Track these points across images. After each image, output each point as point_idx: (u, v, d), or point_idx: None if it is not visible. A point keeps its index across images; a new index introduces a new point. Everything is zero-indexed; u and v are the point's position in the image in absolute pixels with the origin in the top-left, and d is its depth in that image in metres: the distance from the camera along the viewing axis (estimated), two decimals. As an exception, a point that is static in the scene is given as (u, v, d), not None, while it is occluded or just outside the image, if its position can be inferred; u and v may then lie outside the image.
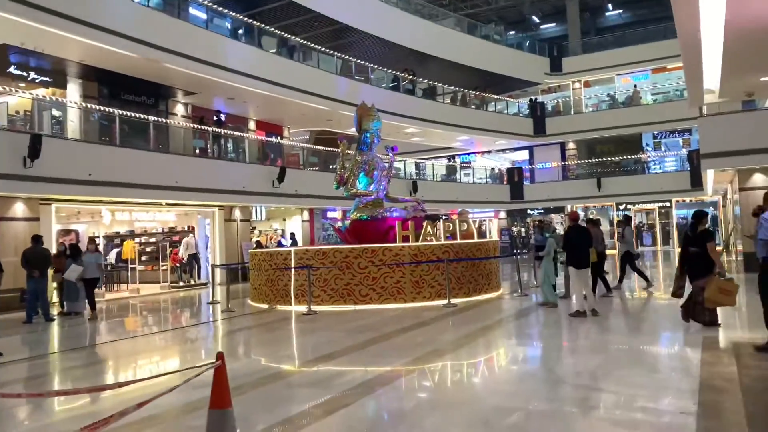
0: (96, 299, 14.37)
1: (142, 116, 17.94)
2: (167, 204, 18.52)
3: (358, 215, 14.10)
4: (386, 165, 14.83)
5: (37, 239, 13.07)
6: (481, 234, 13.61)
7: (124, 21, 16.63)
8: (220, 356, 4.06)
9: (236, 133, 21.49)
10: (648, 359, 6.80)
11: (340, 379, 6.44)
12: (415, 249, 12.12)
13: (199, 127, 20.57)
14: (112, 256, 21.69)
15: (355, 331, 9.40)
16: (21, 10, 14.38)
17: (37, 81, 18.03)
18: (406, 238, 12.42)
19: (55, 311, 13.55)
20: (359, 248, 12.01)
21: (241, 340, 10.07)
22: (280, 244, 18.15)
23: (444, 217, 27.90)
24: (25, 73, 17.67)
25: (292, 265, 12.24)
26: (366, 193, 14.24)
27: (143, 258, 21.96)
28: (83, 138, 16.39)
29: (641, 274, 13.76)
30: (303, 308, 11.90)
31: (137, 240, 22.25)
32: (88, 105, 17.93)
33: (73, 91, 19.14)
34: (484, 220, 16.63)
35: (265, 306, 12.95)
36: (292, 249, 12.62)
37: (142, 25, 17.16)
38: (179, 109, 22.45)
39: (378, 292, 11.90)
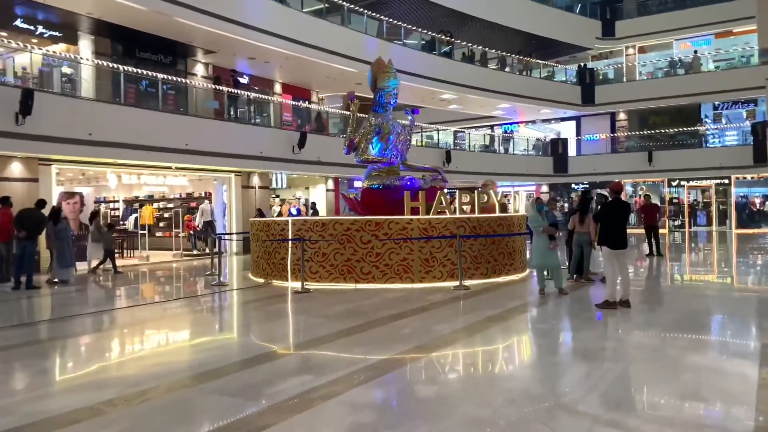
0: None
1: (148, 73, 16.89)
2: (177, 168, 17.56)
3: (370, 183, 12.76)
4: (403, 129, 13.35)
5: (40, 203, 12.42)
6: (505, 208, 12.03)
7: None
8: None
9: (252, 94, 20.24)
10: (685, 376, 5.26)
11: (292, 378, 5.21)
12: (425, 222, 10.69)
13: (213, 86, 19.46)
14: (130, 221, 21.08)
15: (342, 316, 8.15)
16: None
17: (45, 36, 17.17)
18: (415, 210, 11.00)
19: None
20: (361, 220, 10.68)
21: (204, 320, 8.97)
22: (290, 214, 16.96)
23: (480, 190, 26.24)
24: (32, 27, 16.82)
25: (289, 237, 11.02)
26: (379, 159, 12.83)
27: (161, 224, 21.28)
28: (83, 95, 15.44)
29: None
30: (300, 284, 10.75)
31: (155, 205, 21.57)
32: (86, 58, 16.96)
33: (85, 47, 18.27)
34: (508, 193, 14.91)
35: (261, 281, 11.85)
36: (290, 219, 11.38)
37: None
38: (199, 69, 21.40)
39: (382, 270, 10.57)
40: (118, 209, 22.24)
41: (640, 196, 30.50)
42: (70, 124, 14.02)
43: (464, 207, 11.64)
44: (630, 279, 8.44)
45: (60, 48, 17.69)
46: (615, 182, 8.64)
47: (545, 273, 9.88)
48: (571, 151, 32.47)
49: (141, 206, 21.50)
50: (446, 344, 6.47)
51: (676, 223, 29.38)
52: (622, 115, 32.66)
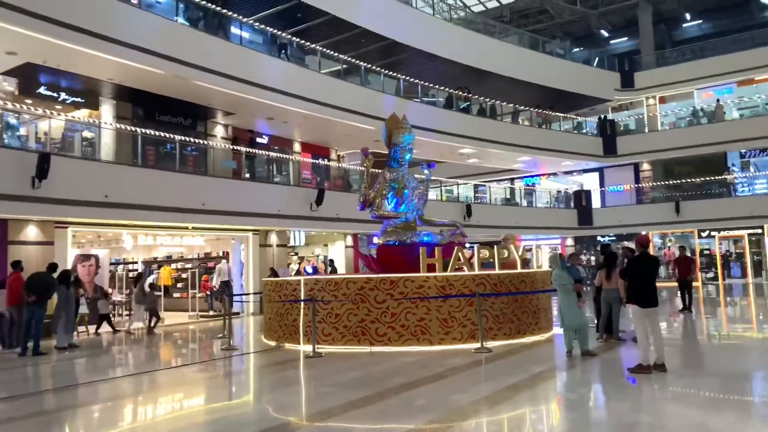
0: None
1: (164, 134, 17.02)
2: (194, 228, 17.43)
3: (385, 240, 12.38)
4: (418, 184, 13.05)
5: (51, 267, 12.35)
6: (527, 263, 11.50)
7: (148, 36, 15.79)
8: None
9: (270, 153, 20.26)
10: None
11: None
12: (442, 280, 10.21)
13: (231, 146, 19.55)
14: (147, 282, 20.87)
15: (354, 384, 7.60)
16: (42, 27, 13.75)
17: (68, 102, 17.50)
18: (431, 267, 10.54)
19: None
20: (375, 278, 10.24)
21: (210, 388, 8.48)
22: (305, 272, 16.57)
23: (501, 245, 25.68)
24: (55, 94, 17.17)
25: (302, 297, 10.61)
26: (394, 215, 12.49)
27: (178, 285, 21.06)
28: (102, 158, 15.55)
29: None
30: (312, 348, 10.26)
31: (173, 266, 21.41)
32: (106, 122, 17.18)
33: (107, 111, 18.55)
34: (530, 247, 14.42)
35: (273, 344, 11.38)
36: (302, 279, 10.99)
37: (168, 41, 16.30)
38: (219, 131, 21.60)
39: (398, 332, 10.04)
40: (136, 270, 22.11)
41: (669, 247, 29.59)
42: (85, 186, 14.02)
43: (484, 263, 11.14)
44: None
45: (83, 113, 18.03)
46: (641, 235, 8.05)
47: (573, 333, 9.26)
48: (596, 202, 31.86)
49: (159, 267, 21.36)
50: (463, 418, 5.89)
51: (709, 275, 28.27)
52: (645, 166, 32.08)
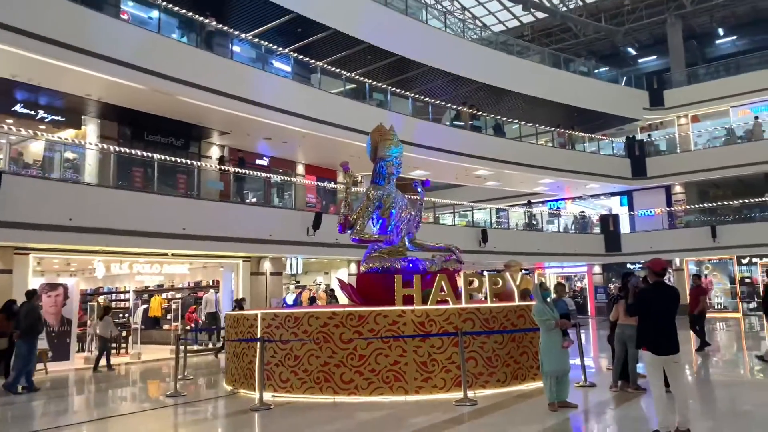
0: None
1: (140, 153, 15.84)
2: (174, 255, 16.08)
3: (367, 267, 10.77)
4: (407, 204, 11.46)
5: (30, 294, 11.30)
6: (526, 295, 9.69)
7: (124, 49, 14.71)
8: None
9: (260, 174, 18.97)
10: None
11: None
12: (421, 315, 8.53)
13: (217, 167, 18.30)
14: (139, 314, 19.55)
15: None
16: (8, 38, 12.77)
17: (47, 120, 16.51)
18: (409, 299, 8.87)
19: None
20: (341, 313, 8.60)
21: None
22: (285, 303, 14.95)
23: (525, 272, 23.77)
24: (33, 112, 16.19)
25: (258, 334, 9.03)
26: (376, 239, 10.92)
27: (168, 316, 19.68)
28: (62, 176, 14.37)
29: None
30: (269, 395, 8.66)
31: (164, 296, 20.11)
32: (68, 138, 16.05)
33: (91, 131, 17.54)
34: (529, 273, 12.66)
35: (229, 389, 9.81)
36: (259, 312, 9.42)
37: (147, 54, 15.18)
38: (214, 151, 20.45)
39: (366, 378, 8.36)
40: (127, 300, 20.85)
41: (705, 275, 27.22)
42: (46, 208, 12.80)
43: (472, 293, 9.42)
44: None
45: (68, 134, 17.04)
46: (655, 260, 6.16)
47: (556, 380, 7.45)
48: (624, 227, 29.71)
49: (150, 297, 20.09)
50: None
51: (751, 305, 25.77)
52: (678, 188, 29.88)
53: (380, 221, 11.13)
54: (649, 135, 31.49)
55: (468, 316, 8.64)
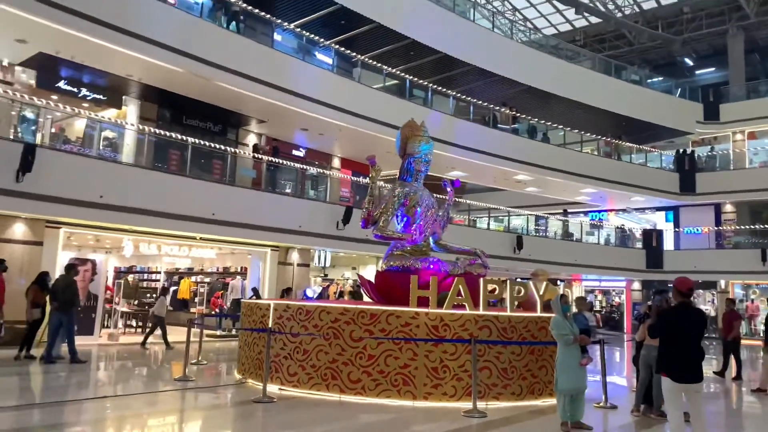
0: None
1: (168, 134, 15.91)
2: (201, 239, 16.10)
3: (388, 265, 10.47)
4: (434, 203, 11.10)
5: (69, 268, 11.73)
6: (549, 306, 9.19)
7: (165, 32, 14.77)
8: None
9: (291, 163, 18.84)
10: None
11: None
12: (435, 318, 8.18)
13: (251, 154, 18.27)
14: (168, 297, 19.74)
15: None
16: (50, 13, 12.91)
17: (89, 98, 16.77)
18: (423, 301, 8.52)
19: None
20: (352, 310, 8.33)
21: None
22: (305, 296, 14.77)
23: (561, 282, 23.04)
24: (76, 89, 16.46)
25: (269, 325, 8.85)
26: (399, 237, 10.59)
27: (196, 299, 19.81)
28: (95, 155, 14.51)
29: None
30: (276, 388, 8.47)
31: (193, 279, 20.25)
32: (104, 117, 16.22)
33: (131, 112, 17.76)
34: (559, 282, 12.21)
35: (239, 377, 9.67)
36: (272, 303, 9.23)
37: (187, 37, 15.20)
38: (251, 139, 20.47)
39: (374, 379, 8.06)
40: (158, 281, 21.10)
41: (752, 300, 25.94)
42: (78, 184, 12.93)
43: (491, 300, 9.00)
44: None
45: (110, 113, 17.29)
46: (682, 278, 5.58)
47: (571, 399, 6.98)
48: (668, 244, 28.56)
49: (180, 279, 20.26)
50: None
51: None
52: (728, 207, 28.55)
53: (405, 219, 10.80)
54: (711, 148, 30.08)
55: (485, 323, 8.24)
